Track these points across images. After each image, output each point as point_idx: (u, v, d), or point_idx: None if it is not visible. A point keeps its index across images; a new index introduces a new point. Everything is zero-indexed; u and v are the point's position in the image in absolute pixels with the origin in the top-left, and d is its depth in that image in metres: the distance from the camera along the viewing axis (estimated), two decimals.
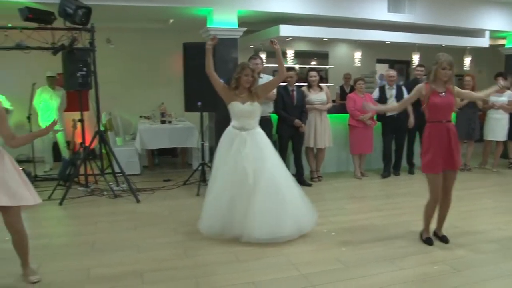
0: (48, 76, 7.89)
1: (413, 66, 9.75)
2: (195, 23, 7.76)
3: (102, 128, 6.71)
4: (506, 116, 8.03)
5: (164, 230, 4.90)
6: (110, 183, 6.39)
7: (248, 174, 4.46)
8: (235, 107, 4.64)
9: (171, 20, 8.40)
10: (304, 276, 3.73)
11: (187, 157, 8.48)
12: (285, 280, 3.69)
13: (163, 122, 8.11)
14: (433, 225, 4.63)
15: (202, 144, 6.82)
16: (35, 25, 5.98)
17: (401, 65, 12.49)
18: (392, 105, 6.31)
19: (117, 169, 6.44)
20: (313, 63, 11.54)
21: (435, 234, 4.65)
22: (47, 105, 7.89)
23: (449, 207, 4.52)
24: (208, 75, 4.78)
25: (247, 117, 4.65)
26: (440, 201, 4.47)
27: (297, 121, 6.69)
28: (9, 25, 5.89)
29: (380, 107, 6.53)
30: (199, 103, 6.37)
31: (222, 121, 6.60)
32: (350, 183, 7.29)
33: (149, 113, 8.85)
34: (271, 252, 4.24)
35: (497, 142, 8.23)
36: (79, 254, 4.25)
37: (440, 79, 4.31)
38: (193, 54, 6.33)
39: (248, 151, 4.54)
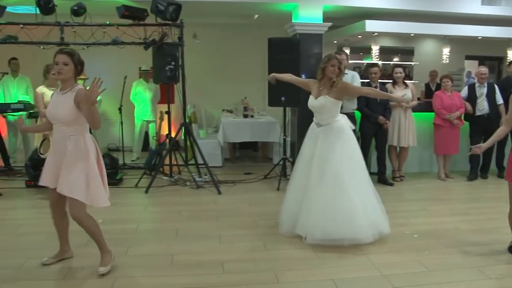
0: (142, 70, 8.29)
1: (508, 63, 9.20)
2: (280, 18, 7.80)
3: (187, 121, 6.93)
4: None
5: (244, 222, 4.99)
6: (193, 174, 6.60)
7: (313, 173, 4.39)
8: (309, 101, 4.56)
9: (256, 16, 8.51)
10: (385, 277, 3.65)
11: (268, 152, 8.56)
12: (365, 280, 3.63)
13: (245, 116, 8.25)
14: None
15: (284, 139, 6.86)
16: (129, 21, 6.33)
17: (492, 62, 11.80)
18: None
19: (200, 161, 6.64)
20: (396, 59, 11.19)
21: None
22: (142, 97, 8.30)
23: None
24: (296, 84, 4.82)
25: (318, 112, 4.52)
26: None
27: (381, 118, 6.54)
28: (107, 22, 6.27)
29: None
30: (283, 98, 6.41)
31: (304, 116, 6.58)
32: (434, 184, 7.02)
33: (232, 107, 9.03)
34: (351, 251, 4.18)
35: None
36: (164, 240, 4.45)
37: None
38: (278, 49, 6.39)
39: (318, 148, 4.44)
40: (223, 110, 9.30)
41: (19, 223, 4.91)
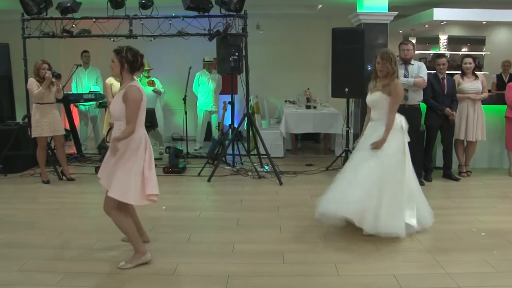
0: (206, 61, 8.44)
1: None
2: (343, 8, 7.69)
3: (250, 111, 7.01)
4: None
5: (305, 213, 4.95)
6: (255, 164, 6.67)
7: (362, 165, 4.34)
8: (367, 97, 4.59)
9: (320, 6, 8.42)
10: (449, 276, 3.54)
11: (330, 143, 8.49)
12: (428, 277, 3.54)
13: (308, 107, 8.22)
14: None
15: (347, 131, 6.79)
16: (194, 13, 6.45)
17: None
18: None
19: (262, 151, 6.68)
20: (464, 49, 10.71)
21: None
22: (205, 87, 8.47)
23: None
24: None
25: (372, 107, 4.53)
26: None
27: (447, 109, 6.32)
28: (173, 14, 6.43)
29: None
30: (347, 89, 6.34)
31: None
32: (504, 181, 6.66)
33: (294, 98, 9.02)
34: (413, 246, 4.12)
35: None
36: (225, 228, 4.54)
37: None
38: (342, 39, 6.32)
39: (368, 143, 4.41)
40: (285, 101, 9.31)
41: (90, 207, 5.15)
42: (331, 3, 7.89)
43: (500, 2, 7.30)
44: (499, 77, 9.26)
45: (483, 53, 10.75)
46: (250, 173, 6.65)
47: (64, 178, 6.42)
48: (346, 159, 6.60)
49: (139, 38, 6.41)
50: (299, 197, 5.68)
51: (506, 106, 6.91)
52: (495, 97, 7.79)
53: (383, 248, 4.05)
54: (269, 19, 9.17)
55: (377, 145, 4.31)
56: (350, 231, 4.36)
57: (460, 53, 10.08)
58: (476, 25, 9.94)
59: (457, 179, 6.58)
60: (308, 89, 8.65)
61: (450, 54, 9.92)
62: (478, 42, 10.92)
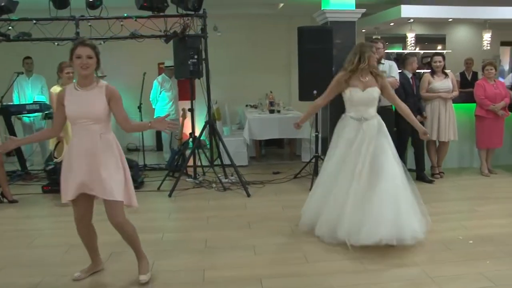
0: (167, 66, 7.74)
1: None
2: (306, 7, 7.37)
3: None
4: None
5: (279, 228, 4.55)
6: (219, 175, 6.19)
7: (363, 173, 4.02)
8: (354, 94, 4.15)
9: (281, 5, 8.04)
10: None
11: (295, 148, 8.12)
12: None
13: (271, 111, 7.78)
14: None
15: (316, 136, 6.42)
16: (148, 13, 5.93)
17: None
18: None
19: (226, 161, 6.22)
20: (418, 48, 10.56)
21: None
22: (168, 95, 7.67)
23: None
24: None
25: (365, 105, 4.16)
26: None
27: (419, 117, 6.06)
28: (125, 14, 5.88)
29: None
30: (315, 92, 5.95)
31: (337, 110, 6.15)
32: (477, 181, 6.54)
33: (256, 102, 8.58)
34: (403, 261, 3.75)
35: None
36: (193, 252, 4.03)
37: None
38: (309, 39, 5.94)
39: (367, 146, 4.07)
40: (246, 105, 8.86)
41: (36, 234, 4.53)
42: (293, 1, 7.53)
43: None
44: (462, 75, 9.19)
45: (445, 51, 10.70)
46: (214, 185, 6.15)
47: (4, 200, 5.68)
48: (316, 165, 6.25)
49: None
50: (270, 209, 5.25)
51: (473, 104, 6.82)
52: (463, 96, 7.63)
53: (371, 266, 3.67)
54: (227, 20, 8.73)
55: None
56: (331, 247, 4.00)
57: (422, 51, 9.97)
58: (437, 24, 9.88)
59: (431, 181, 6.39)
60: (271, 92, 8.24)
61: (413, 52, 9.77)
62: (438, 41, 10.90)
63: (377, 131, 4.14)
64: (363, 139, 4.10)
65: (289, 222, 4.69)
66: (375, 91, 4.16)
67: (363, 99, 4.15)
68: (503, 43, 11.09)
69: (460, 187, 6.22)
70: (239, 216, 5.02)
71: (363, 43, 4.27)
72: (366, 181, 3.99)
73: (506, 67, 11.74)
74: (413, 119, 4.40)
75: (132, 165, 6.25)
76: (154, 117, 7.71)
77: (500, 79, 7.18)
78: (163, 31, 5.93)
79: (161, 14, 5.95)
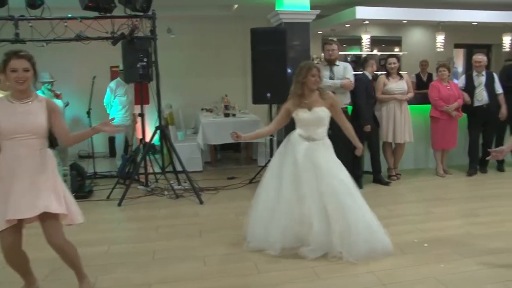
0: (122, 70, 7.38)
1: (504, 50, 8.82)
2: (261, 8, 7.23)
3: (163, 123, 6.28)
4: None
5: (232, 237, 4.38)
6: (171, 182, 5.97)
7: (308, 196, 3.90)
8: (300, 115, 4.05)
9: (236, 6, 7.87)
10: None
11: (252, 152, 7.95)
12: None
13: (226, 115, 7.60)
14: None
15: (271, 139, 6.28)
16: (94, 14, 5.62)
17: (481, 50, 11.42)
18: None
19: (178, 167, 5.99)
20: (375, 50, 10.60)
21: None
22: (123, 100, 7.26)
23: None
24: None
25: (314, 126, 4.04)
26: None
27: (368, 127, 6.03)
28: (69, 15, 5.56)
29: None
30: (268, 95, 5.84)
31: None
32: (433, 182, 6.57)
33: (211, 106, 8.38)
34: (356, 268, 3.65)
35: None
36: (139, 265, 3.81)
37: None
38: (263, 40, 5.81)
39: (319, 162, 3.96)
40: (202, 109, 8.64)
41: None
42: (248, 3, 7.38)
43: (418, 2, 7.16)
44: (417, 76, 9.25)
45: (401, 53, 10.77)
46: (166, 193, 5.91)
47: None
48: None
49: (28, 43, 5.42)
50: (223, 217, 5.07)
51: (428, 105, 6.86)
52: (418, 97, 7.67)
53: (323, 274, 3.55)
54: (181, 21, 8.51)
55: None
56: (283, 256, 3.86)
57: (379, 53, 9.99)
58: (393, 26, 9.94)
59: (387, 183, 6.37)
60: (226, 95, 8.06)
61: (370, 54, 9.78)
62: (394, 43, 10.98)
63: (326, 149, 4.06)
64: (311, 156, 3.98)
65: (241, 230, 4.48)
66: (322, 111, 4.04)
67: (311, 119, 4.03)
68: (457, 45, 11.26)
69: (416, 189, 6.23)
70: (190, 224, 4.82)
71: (303, 65, 4.10)
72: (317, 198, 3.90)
73: (460, 69, 11.93)
74: (353, 136, 4.30)
75: (80, 173, 5.96)
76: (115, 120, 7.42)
77: (454, 81, 7.23)
78: (110, 33, 5.65)
79: (108, 15, 5.65)
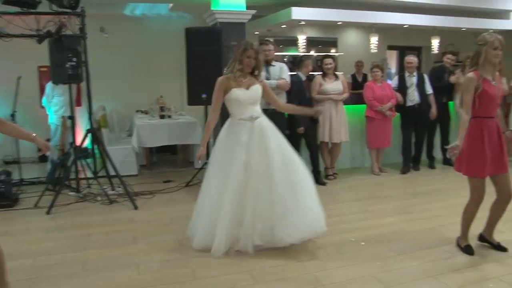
0: None
1: (434, 52, 9.14)
2: (196, 7, 7.08)
3: (95, 125, 6.01)
4: None
5: (167, 243, 4.24)
6: (105, 187, 5.71)
7: (259, 173, 3.89)
8: (239, 94, 4.01)
9: (171, 5, 7.67)
10: None
11: (188, 155, 7.78)
12: None
13: (162, 117, 7.38)
14: (475, 230, 4.01)
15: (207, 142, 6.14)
16: (17, 9, 5.26)
17: (412, 52, 11.81)
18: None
19: (112, 171, 5.74)
20: (311, 51, 10.70)
21: (484, 240, 4.00)
22: (59, 100, 6.93)
23: (506, 209, 3.82)
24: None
25: (253, 104, 4.07)
26: (495, 202, 3.84)
27: (302, 128, 6.06)
28: None
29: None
30: (204, 96, 5.69)
31: (227, 114, 5.98)
32: (369, 180, 6.71)
33: (147, 107, 8.12)
34: (294, 270, 3.63)
35: None
36: (68, 277, 3.58)
37: (490, 62, 3.58)
38: (197, 40, 5.68)
39: (259, 148, 3.95)
40: (137, 111, 8.36)
41: None
42: (183, 2, 7.20)
43: (352, 4, 7.27)
44: (353, 77, 9.41)
45: (337, 54, 10.93)
46: (99, 198, 5.65)
47: None
48: None
49: None
50: (159, 222, 4.89)
51: (363, 105, 6.98)
52: (353, 97, 7.79)
53: (261, 278, 3.50)
54: (115, 20, 8.17)
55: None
56: (220, 261, 3.77)
57: (315, 54, 10.08)
58: (329, 27, 10.07)
59: (324, 183, 6.40)
60: (161, 96, 7.84)
61: (306, 55, 9.84)
62: (330, 44, 11.13)
63: (268, 131, 4.04)
64: (254, 140, 3.96)
65: (177, 235, 4.38)
66: (259, 89, 4.08)
67: (250, 97, 4.03)
68: (390, 47, 11.58)
69: (352, 188, 6.31)
70: (124, 231, 4.61)
71: (243, 44, 4.11)
72: (283, 179, 3.92)
73: (393, 70, 12.29)
74: (299, 109, 4.48)
75: (4, 179, 5.57)
76: (49, 121, 7.10)
77: (388, 81, 7.41)
78: (35, 30, 5.32)
79: (32, 11, 5.31)
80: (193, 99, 5.85)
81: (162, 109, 7.46)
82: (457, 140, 3.63)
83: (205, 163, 6.06)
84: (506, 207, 3.79)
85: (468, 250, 3.90)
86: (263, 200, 3.84)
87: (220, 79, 4.10)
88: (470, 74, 3.62)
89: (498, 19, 8.59)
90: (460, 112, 3.77)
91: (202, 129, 6.32)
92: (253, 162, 3.88)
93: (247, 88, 4.03)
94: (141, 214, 5.19)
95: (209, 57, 5.67)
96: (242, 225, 3.83)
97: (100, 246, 4.23)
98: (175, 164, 7.93)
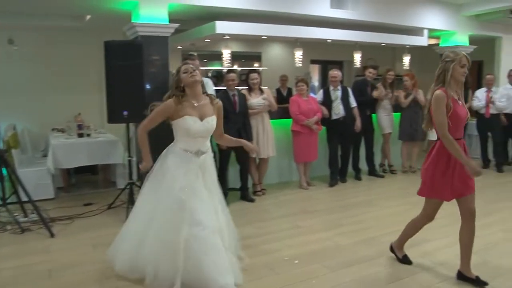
0: None
1: (356, 66, 9.37)
2: (116, 20, 6.74)
3: (2, 146, 5.50)
4: None
5: (87, 273, 3.87)
6: (15, 214, 5.19)
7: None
8: (190, 124, 3.48)
9: (88, 17, 7.27)
10: None
11: (110, 175, 7.34)
12: None
13: (80, 135, 6.91)
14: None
15: (129, 161, 5.82)
16: None
17: (334, 66, 12.11)
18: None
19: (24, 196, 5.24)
20: (235, 66, 10.61)
21: (462, 276, 3.66)
22: None
23: (473, 236, 3.57)
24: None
25: (204, 138, 3.60)
26: (462, 228, 3.59)
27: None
28: None
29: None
30: (125, 113, 5.38)
31: (152, 132, 5.69)
32: (297, 195, 6.68)
33: (64, 125, 7.60)
34: None
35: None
36: None
37: (456, 80, 3.42)
38: (117, 54, 5.35)
39: (205, 182, 3.61)
40: (52, 129, 7.80)
41: None
42: (102, 14, 6.83)
43: (278, 18, 7.26)
44: (278, 91, 9.43)
45: (261, 68, 10.94)
46: (9, 227, 5.11)
47: None
48: (131, 193, 5.67)
49: None
50: (79, 250, 4.49)
51: (289, 119, 6.98)
52: (279, 111, 7.77)
53: None
54: (26, 32, 7.65)
55: None
56: None
57: (240, 68, 10.02)
58: (252, 41, 10.04)
59: (252, 200, 6.29)
60: (80, 114, 7.38)
61: (233, 70, 9.76)
62: (255, 58, 11.13)
63: (211, 169, 3.72)
64: (198, 174, 3.57)
65: (100, 264, 4.02)
66: (213, 121, 3.62)
67: (202, 131, 3.55)
68: (313, 61, 11.79)
69: (282, 203, 6.23)
70: (38, 263, 4.16)
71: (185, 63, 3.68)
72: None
73: (316, 83, 12.52)
74: (235, 141, 4.10)
75: None
76: None
77: (312, 95, 7.46)
78: None
79: None
80: (114, 116, 5.49)
81: (80, 127, 6.98)
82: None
83: (128, 184, 5.76)
84: (473, 226, 3.54)
85: (406, 260, 3.96)
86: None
87: (169, 101, 3.53)
88: (439, 92, 3.39)
89: (414, 36, 8.97)
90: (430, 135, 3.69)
91: (124, 148, 6.00)
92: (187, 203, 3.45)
93: (202, 118, 3.53)
94: (58, 242, 4.73)
95: (130, 72, 5.35)
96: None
97: (10, 283, 3.77)
98: (96, 185, 7.44)
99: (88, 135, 6.93)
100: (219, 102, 3.73)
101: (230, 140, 4.07)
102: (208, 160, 3.67)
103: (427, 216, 3.72)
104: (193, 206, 3.41)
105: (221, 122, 3.78)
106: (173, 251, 3.32)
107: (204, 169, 3.60)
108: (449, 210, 3.88)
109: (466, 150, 3.50)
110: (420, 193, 3.67)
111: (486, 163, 8.41)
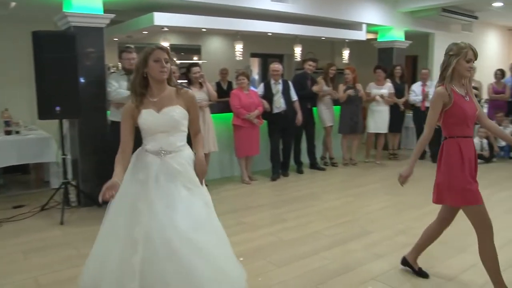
0: None
1: (297, 59, 9.38)
2: (46, 8, 6.32)
3: None
4: (387, 109, 8.16)
5: (18, 284, 3.59)
6: None
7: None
8: (147, 118, 2.88)
9: (13, 4, 6.76)
10: None
11: (43, 173, 6.93)
12: None
13: (8, 133, 6.45)
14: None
15: (64, 159, 5.51)
16: None
17: (275, 59, 12.09)
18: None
19: None
20: (174, 59, 10.40)
21: (407, 264, 3.70)
22: None
23: (437, 238, 3.53)
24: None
25: (165, 132, 2.89)
26: (440, 226, 3.46)
27: None
28: None
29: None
30: (58, 108, 5.07)
31: (87, 129, 5.43)
32: (240, 190, 6.62)
33: None
34: None
35: (379, 134, 8.39)
36: None
37: (462, 75, 3.19)
38: (48, 46, 5.01)
39: (166, 195, 2.82)
40: None
41: None
42: (28, 1, 6.39)
43: (218, 10, 7.09)
44: (218, 85, 9.28)
45: (200, 61, 10.75)
46: None
47: None
48: (66, 193, 5.39)
49: None
50: (8, 258, 4.16)
51: (230, 114, 6.94)
52: (218, 105, 7.64)
53: None
54: None
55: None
56: None
57: (180, 61, 9.76)
58: (192, 34, 9.85)
59: None
60: (7, 109, 6.90)
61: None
62: (194, 51, 10.93)
63: (184, 174, 2.89)
64: (168, 184, 2.84)
65: (33, 272, 3.76)
66: (175, 111, 2.90)
67: (159, 123, 2.89)
68: (253, 54, 11.73)
69: (224, 199, 6.13)
70: None
71: (144, 51, 2.92)
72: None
73: (256, 77, 12.46)
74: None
75: None
76: None
77: (253, 89, 7.40)
78: None
79: None
80: (45, 112, 5.15)
81: (7, 123, 6.52)
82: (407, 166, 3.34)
83: (62, 184, 5.46)
84: (443, 230, 3.48)
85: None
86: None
87: (127, 105, 2.96)
88: (439, 88, 3.19)
89: (353, 30, 9.10)
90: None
91: (58, 145, 5.67)
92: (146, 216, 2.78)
93: (159, 110, 2.90)
94: None
95: (62, 65, 5.03)
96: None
97: None
98: (27, 185, 6.99)
99: (17, 132, 6.50)
100: (188, 92, 3.02)
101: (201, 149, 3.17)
102: (176, 163, 2.87)
103: (485, 230, 3.15)
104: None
105: (195, 117, 3.05)
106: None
107: (168, 173, 2.85)
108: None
109: (474, 150, 3.26)
110: (436, 200, 3.36)
111: (422, 154, 8.67)
